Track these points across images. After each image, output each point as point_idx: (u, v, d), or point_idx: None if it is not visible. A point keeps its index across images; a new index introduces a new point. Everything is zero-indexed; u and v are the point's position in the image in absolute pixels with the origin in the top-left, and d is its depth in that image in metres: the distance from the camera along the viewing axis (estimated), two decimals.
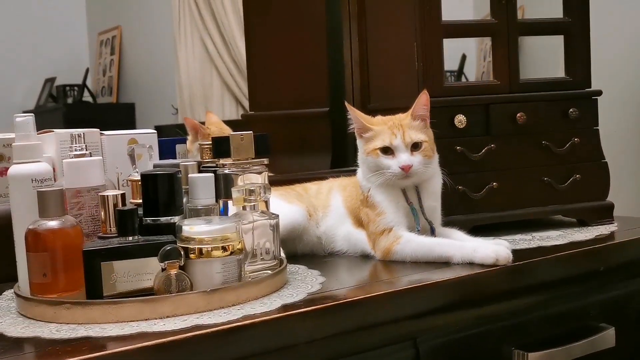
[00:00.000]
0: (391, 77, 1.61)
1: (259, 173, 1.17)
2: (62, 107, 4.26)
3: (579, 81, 1.55)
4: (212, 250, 1.00)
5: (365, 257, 1.29)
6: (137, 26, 4.44)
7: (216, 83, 3.43)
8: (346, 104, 1.29)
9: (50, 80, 4.31)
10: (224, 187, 1.13)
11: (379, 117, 1.29)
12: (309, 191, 1.36)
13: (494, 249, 1.18)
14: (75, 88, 4.44)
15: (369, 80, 1.72)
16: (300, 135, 1.93)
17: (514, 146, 1.49)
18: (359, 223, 1.30)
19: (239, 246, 1.04)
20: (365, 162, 1.28)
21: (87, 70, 4.50)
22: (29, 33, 4.25)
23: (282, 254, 1.17)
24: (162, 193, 1.06)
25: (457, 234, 1.31)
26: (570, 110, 1.51)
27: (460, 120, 1.44)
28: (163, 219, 1.05)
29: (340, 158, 1.81)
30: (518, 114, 1.47)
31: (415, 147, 1.24)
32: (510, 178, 1.48)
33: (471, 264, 1.20)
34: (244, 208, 1.11)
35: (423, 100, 1.25)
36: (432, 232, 1.31)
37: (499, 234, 1.44)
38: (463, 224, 1.42)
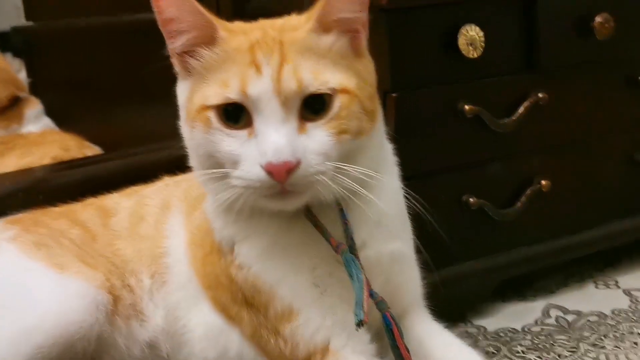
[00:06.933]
0: None
1: None
2: None
3: None
4: None
5: None
6: None
7: None
8: None
9: None
10: None
11: (237, 24, 0.57)
12: (112, 218, 0.67)
13: None
14: None
15: None
16: (122, 59, 1.01)
17: (583, 92, 0.67)
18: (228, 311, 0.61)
19: None
20: (192, 142, 0.56)
21: None
22: None
23: None
24: None
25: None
26: None
27: (471, 38, 0.59)
28: None
29: None
30: (597, 18, 0.64)
31: (315, 104, 0.51)
32: (572, 164, 0.66)
33: None
34: None
35: None
36: (389, 325, 0.52)
37: (547, 293, 0.66)
38: (481, 281, 0.62)
